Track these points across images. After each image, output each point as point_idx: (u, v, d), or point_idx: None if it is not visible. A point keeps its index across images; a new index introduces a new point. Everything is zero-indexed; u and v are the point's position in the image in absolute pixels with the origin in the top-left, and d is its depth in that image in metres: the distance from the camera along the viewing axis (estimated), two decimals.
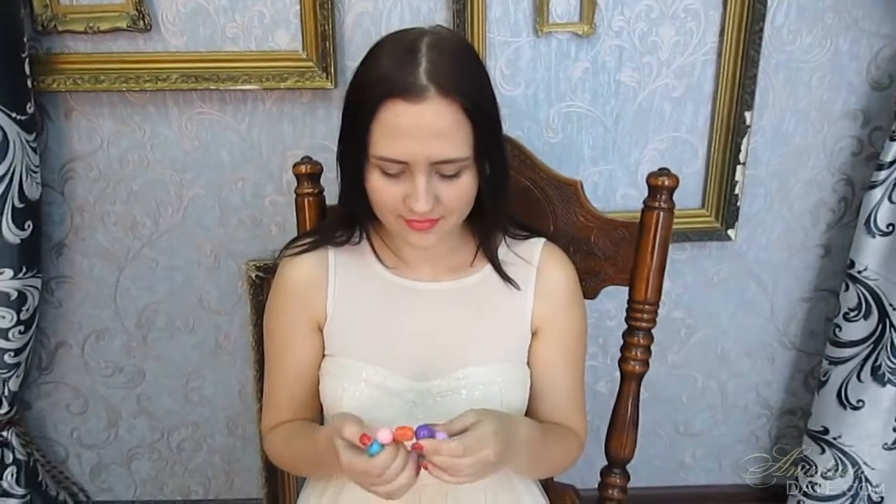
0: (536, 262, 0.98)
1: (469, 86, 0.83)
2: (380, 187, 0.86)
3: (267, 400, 1.04)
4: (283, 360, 1.00)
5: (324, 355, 1.00)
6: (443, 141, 0.82)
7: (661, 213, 1.02)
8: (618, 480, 1.08)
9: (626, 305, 1.10)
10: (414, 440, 0.80)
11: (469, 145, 0.84)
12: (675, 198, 1.01)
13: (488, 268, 0.98)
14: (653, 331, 1.02)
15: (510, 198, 0.97)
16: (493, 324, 0.98)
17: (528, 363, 1.00)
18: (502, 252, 0.98)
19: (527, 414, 1.02)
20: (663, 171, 1.02)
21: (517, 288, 0.97)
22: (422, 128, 0.81)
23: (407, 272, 0.98)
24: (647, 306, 1.04)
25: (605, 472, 1.09)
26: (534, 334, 0.99)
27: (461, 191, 0.86)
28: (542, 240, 1.01)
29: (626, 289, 1.09)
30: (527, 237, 1.01)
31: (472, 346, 0.97)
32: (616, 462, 1.08)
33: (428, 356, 0.95)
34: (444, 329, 0.97)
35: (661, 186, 1.01)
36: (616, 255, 1.07)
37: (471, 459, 0.80)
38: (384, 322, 0.97)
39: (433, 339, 0.96)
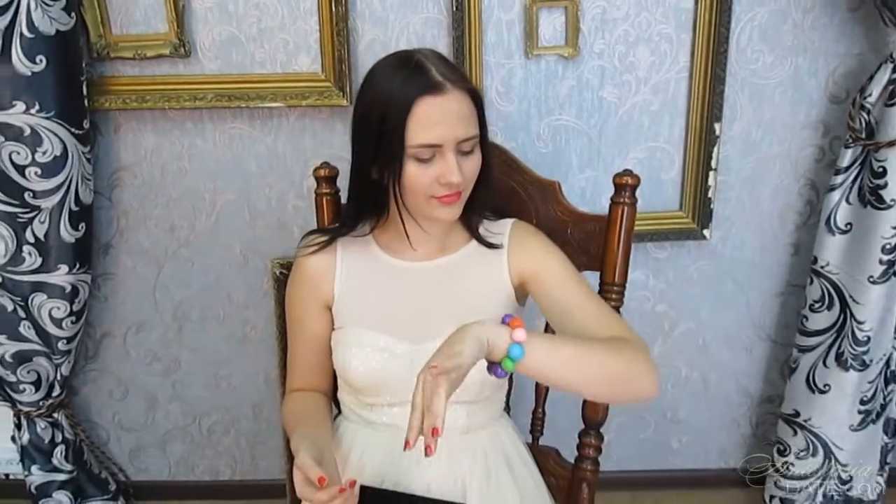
0: (508, 230, 1.17)
1: (466, 79, 1.06)
2: (416, 173, 1.04)
3: (289, 366, 1.23)
4: (300, 334, 1.19)
5: (334, 329, 1.18)
6: (465, 122, 1.03)
7: (626, 208, 1.18)
8: (593, 440, 1.23)
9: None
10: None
11: (477, 125, 1.06)
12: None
13: (471, 244, 1.16)
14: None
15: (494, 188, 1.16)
16: (476, 289, 1.14)
17: (540, 309, 1.12)
18: (481, 229, 1.17)
19: None
20: (627, 172, 1.18)
21: (498, 247, 1.15)
22: (450, 114, 1.01)
23: (404, 255, 1.16)
24: (615, 287, 1.19)
25: (582, 434, 1.24)
26: (520, 288, 1.14)
27: (476, 164, 1.08)
28: (513, 219, 1.19)
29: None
30: (499, 218, 1.19)
31: (460, 310, 1.09)
32: (591, 424, 1.23)
33: (422, 321, 1.11)
34: (435, 298, 1.14)
35: (625, 184, 1.18)
36: (588, 245, 1.23)
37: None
38: (384, 296, 1.15)
39: (426, 306, 1.13)
